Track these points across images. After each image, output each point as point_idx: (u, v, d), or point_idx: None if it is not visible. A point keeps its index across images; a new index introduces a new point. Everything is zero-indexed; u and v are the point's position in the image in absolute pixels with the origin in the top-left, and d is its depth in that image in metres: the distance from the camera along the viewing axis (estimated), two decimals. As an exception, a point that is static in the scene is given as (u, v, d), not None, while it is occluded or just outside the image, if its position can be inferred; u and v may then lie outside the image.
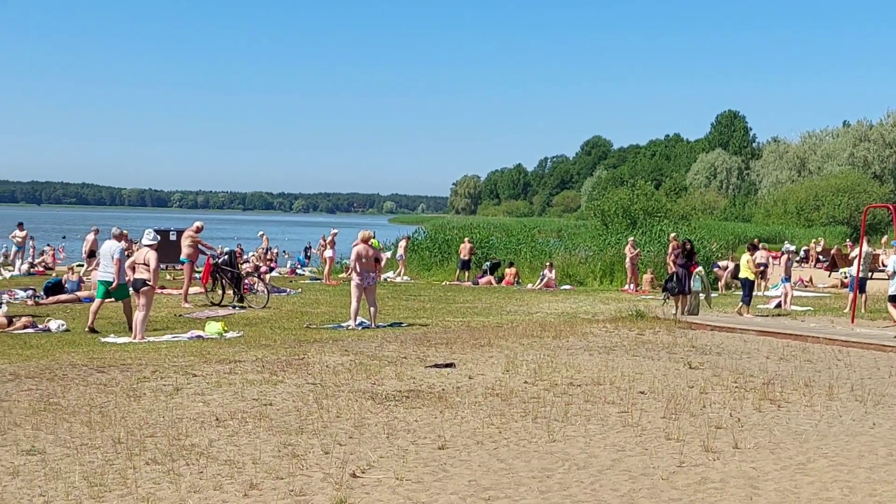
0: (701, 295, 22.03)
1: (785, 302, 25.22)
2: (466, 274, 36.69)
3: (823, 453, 8.43)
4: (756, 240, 30.63)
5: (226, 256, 25.25)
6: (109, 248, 18.72)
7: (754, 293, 23.59)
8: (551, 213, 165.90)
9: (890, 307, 19.48)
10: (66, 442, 8.53)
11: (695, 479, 7.47)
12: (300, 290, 30.10)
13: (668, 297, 22.38)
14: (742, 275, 22.80)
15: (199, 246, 24.88)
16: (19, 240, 36.55)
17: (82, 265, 36.56)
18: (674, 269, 22.51)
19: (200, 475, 7.47)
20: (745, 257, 23.09)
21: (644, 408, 10.40)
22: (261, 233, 45.48)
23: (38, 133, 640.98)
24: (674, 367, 13.59)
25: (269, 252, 42.64)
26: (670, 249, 31.34)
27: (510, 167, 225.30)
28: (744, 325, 19.69)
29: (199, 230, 25.07)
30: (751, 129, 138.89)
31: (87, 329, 18.00)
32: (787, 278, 26.40)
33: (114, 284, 18.34)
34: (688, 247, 22.55)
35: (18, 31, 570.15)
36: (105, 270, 18.51)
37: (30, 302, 23.14)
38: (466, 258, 36.93)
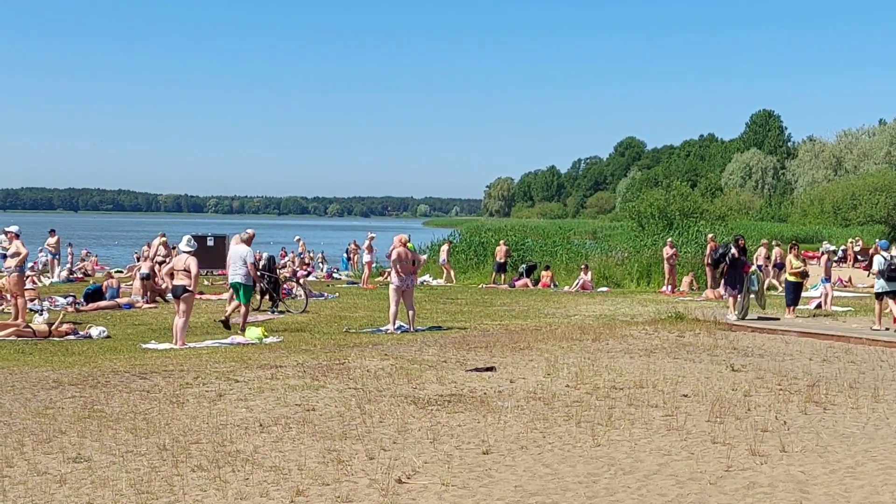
0: (751, 296, 21.56)
1: (825, 302, 24.99)
2: (503, 277, 36.62)
3: (872, 456, 8.33)
4: (794, 240, 30.34)
5: (265, 262, 25.35)
6: (238, 251, 19.62)
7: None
8: (585, 215, 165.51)
9: (878, 304, 19.61)
10: (112, 449, 8.57)
11: (743, 484, 7.41)
12: (337, 294, 30.17)
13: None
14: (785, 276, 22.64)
15: None
16: (52, 247, 36.81)
17: (121, 271, 36.89)
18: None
19: (246, 482, 7.49)
20: (789, 258, 22.91)
21: (688, 411, 10.33)
22: (297, 237, 45.77)
23: (75, 140, 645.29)
24: (716, 370, 13.49)
25: (304, 256, 42.85)
26: (708, 250, 31.18)
27: (543, 169, 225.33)
28: (785, 326, 19.55)
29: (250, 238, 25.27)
30: (786, 129, 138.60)
31: (240, 330, 18.74)
32: (827, 278, 26.16)
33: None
34: (741, 243, 21.82)
35: (56, 38, 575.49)
36: (235, 273, 19.46)
37: (70, 308, 23.30)
38: (502, 261, 36.84)
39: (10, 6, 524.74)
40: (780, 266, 27.98)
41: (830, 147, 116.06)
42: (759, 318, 20.79)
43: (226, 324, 18.99)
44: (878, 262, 19.66)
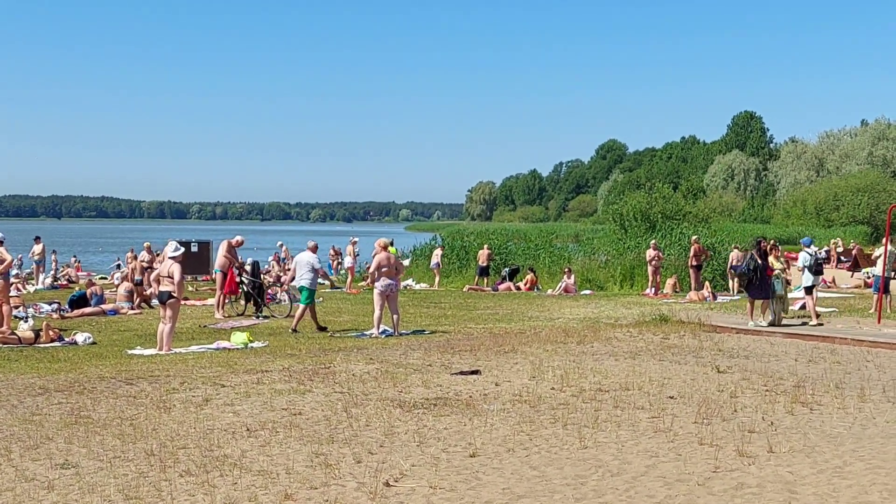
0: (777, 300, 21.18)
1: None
2: (485, 280, 36.63)
3: (860, 456, 8.36)
4: (773, 240, 30.22)
5: (248, 267, 25.29)
6: (307, 258, 20.88)
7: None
8: (567, 218, 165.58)
9: (808, 299, 21.00)
10: (99, 455, 8.55)
11: (731, 485, 7.43)
12: (321, 298, 30.08)
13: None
14: None
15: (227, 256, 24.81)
16: (37, 255, 36.69)
17: (105, 278, 36.81)
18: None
19: (235, 486, 7.48)
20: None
21: (675, 413, 10.35)
22: (280, 243, 45.71)
23: (58, 147, 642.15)
24: (702, 371, 13.53)
25: (288, 261, 42.76)
26: (692, 253, 31.28)
27: (525, 173, 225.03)
28: (770, 327, 19.59)
29: (239, 244, 25.26)
30: (768, 130, 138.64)
31: (316, 329, 20.33)
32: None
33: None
34: (763, 246, 20.80)
35: (37, 46, 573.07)
36: (302, 278, 20.63)
37: (55, 315, 23.21)
38: (485, 265, 36.88)
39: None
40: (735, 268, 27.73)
41: (812, 148, 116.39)
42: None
43: (322, 328, 20.37)
44: (803, 258, 20.85)
